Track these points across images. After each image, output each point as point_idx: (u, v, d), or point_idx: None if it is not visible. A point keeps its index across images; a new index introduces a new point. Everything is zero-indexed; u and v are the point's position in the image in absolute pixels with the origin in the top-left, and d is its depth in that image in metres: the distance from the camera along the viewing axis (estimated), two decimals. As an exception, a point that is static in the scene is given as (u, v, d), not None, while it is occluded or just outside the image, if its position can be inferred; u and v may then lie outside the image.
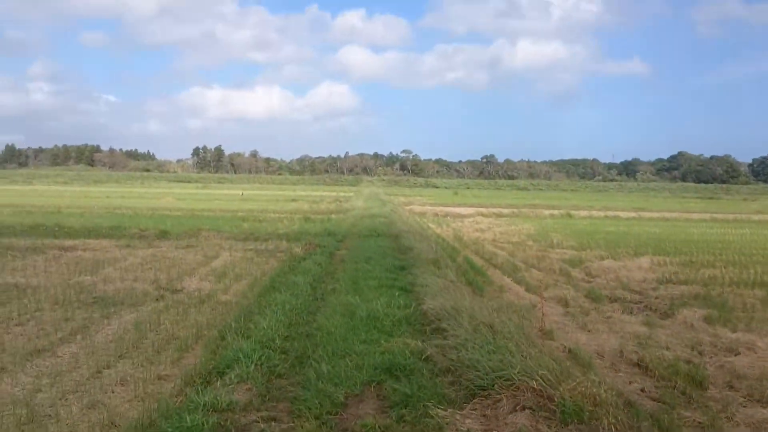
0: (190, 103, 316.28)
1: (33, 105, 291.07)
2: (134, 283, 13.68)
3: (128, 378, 7.56)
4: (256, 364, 7.27)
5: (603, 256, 21.89)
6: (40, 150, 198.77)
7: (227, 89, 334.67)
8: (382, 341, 7.90)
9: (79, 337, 9.42)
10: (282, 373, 7.31)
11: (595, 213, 50.64)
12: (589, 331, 11.71)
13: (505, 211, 49.03)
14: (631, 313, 13.52)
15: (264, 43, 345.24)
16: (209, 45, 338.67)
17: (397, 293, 11.33)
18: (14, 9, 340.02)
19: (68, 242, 20.92)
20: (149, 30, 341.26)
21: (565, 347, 10.24)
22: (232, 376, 6.93)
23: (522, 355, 6.91)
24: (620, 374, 8.96)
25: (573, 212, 49.12)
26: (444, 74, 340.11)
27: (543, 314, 12.34)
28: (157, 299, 12.40)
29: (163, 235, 23.73)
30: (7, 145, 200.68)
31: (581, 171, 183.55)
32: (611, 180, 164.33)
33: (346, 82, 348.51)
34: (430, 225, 34.74)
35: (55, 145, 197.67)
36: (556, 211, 50.08)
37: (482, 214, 45.54)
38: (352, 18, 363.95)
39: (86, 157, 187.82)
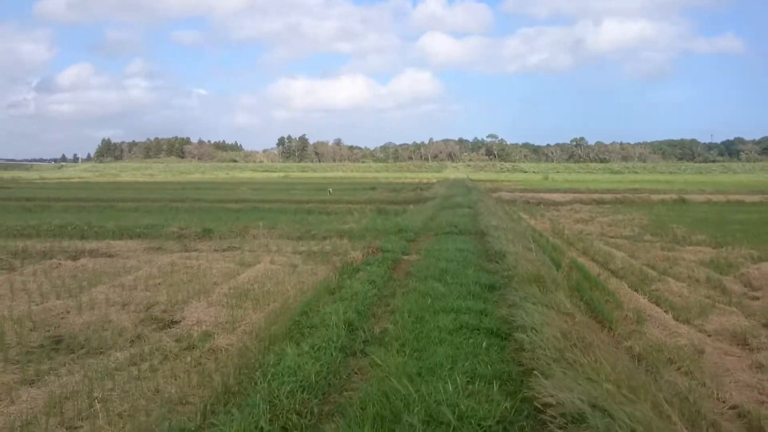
0: (276, 95, 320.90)
1: (130, 101, 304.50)
2: (117, 312, 9.87)
3: None
4: None
5: (755, 257, 16.55)
6: (134, 143, 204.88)
7: (312, 80, 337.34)
8: None
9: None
10: None
11: (711, 197, 43.70)
12: (815, 406, 6.89)
13: (606, 197, 43.00)
14: None
15: (348, 34, 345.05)
16: (295, 37, 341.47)
17: (484, 344, 6.87)
18: (113, 13, 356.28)
19: (90, 245, 17.61)
20: (237, 25, 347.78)
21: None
22: None
23: None
24: None
25: (686, 197, 42.67)
26: (527, 58, 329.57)
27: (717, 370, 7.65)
28: (131, 341, 8.50)
29: (206, 234, 20.10)
30: (103, 140, 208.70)
31: (678, 152, 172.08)
32: (712, 161, 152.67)
33: (428, 69, 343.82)
34: (522, 215, 29.86)
35: (148, 139, 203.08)
36: (665, 196, 43.65)
37: (581, 201, 40.02)
38: (433, 4, 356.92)
39: (176, 149, 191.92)
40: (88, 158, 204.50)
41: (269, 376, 5.85)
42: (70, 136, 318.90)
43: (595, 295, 11.60)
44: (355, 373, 6.50)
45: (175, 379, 6.88)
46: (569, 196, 43.61)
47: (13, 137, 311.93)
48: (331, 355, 6.59)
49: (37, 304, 10.46)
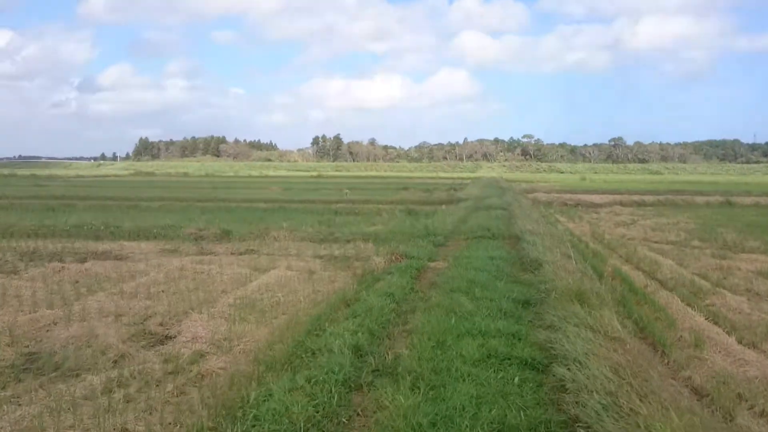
0: (311, 94, 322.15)
1: (168, 100, 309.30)
2: (108, 325, 8.89)
3: None
4: None
5: (819, 267, 15.00)
6: (171, 142, 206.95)
7: (348, 79, 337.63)
8: None
9: None
10: None
11: (759, 200, 41.34)
12: None
13: (648, 198, 41.10)
14: None
15: (383, 33, 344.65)
16: (330, 37, 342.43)
17: (516, 380, 5.69)
18: (152, 14, 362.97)
19: (103, 246, 16.84)
20: (273, 25, 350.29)
21: None
22: None
23: None
24: None
25: (732, 199, 40.45)
26: (564, 57, 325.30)
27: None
28: (114, 362, 7.50)
29: (225, 235, 19.19)
30: (140, 139, 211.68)
31: (720, 153, 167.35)
32: (756, 162, 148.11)
33: (464, 68, 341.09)
34: (559, 218, 28.39)
35: (185, 137, 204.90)
36: (710, 198, 41.52)
37: (621, 203, 38.28)
38: (469, 3, 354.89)
39: (213, 148, 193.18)
40: (127, 157, 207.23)
41: (249, 421, 4.74)
42: (110, 134, 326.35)
43: (643, 312, 10.29)
44: (358, 415, 5.35)
45: (150, 414, 5.83)
46: (608, 198, 41.79)
47: (56, 136, 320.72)
48: (330, 391, 5.45)
49: (25, 314, 9.58)
